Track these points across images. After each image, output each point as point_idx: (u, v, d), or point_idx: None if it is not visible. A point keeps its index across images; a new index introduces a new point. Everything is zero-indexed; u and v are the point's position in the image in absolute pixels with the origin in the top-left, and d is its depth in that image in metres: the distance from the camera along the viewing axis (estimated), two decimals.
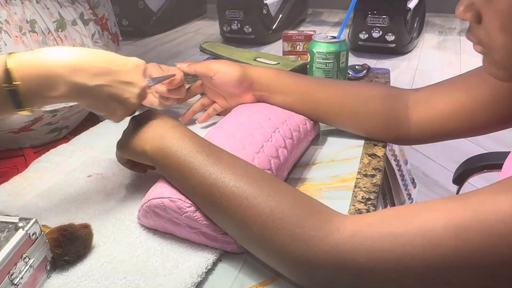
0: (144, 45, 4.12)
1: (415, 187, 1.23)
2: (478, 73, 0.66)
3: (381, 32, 3.43)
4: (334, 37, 0.84)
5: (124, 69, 0.55)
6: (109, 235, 0.56)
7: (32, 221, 0.48)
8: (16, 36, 0.79)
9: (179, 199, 0.52)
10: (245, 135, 0.63)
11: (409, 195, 1.18)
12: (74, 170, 0.70)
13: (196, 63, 0.74)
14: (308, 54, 0.86)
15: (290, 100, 0.72)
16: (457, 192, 0.98)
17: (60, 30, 0.86)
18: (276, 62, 0.91)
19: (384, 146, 0.75)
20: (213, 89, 0.76)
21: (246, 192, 0.48)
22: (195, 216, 0.52)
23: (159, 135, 0.55)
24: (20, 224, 0.47)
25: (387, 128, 0.72)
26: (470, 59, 3.44)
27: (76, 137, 0.81)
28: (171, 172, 0.53)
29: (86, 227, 0.53)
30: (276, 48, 3.84)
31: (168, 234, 0.56)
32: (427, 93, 0.70)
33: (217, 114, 0.83)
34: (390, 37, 3.44)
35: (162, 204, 0.53)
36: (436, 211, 0.41)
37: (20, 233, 0.46)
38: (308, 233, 0.44)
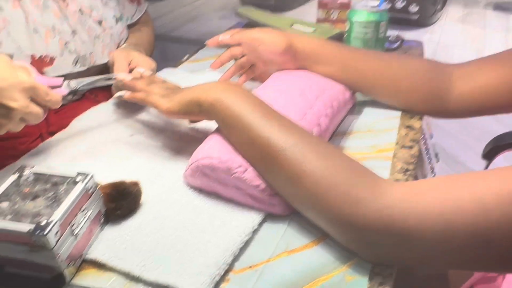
0: (161, 7, 4.07)
1: (438, 161, 1.23)
2: None
3: (404, 2, 3.35)
4: (375, 6, 0.83)
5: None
6: (156, 194, 0.58)
7: (89, 176, 0.49)
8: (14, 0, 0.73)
9: (229, 159, 0.53)
10: (289, 101, 0.64)
11: (432, 168, 1.19)
12: (115, 129, 0.72)
13: (238, 32, 0.74)
14: (347, 22, 0.85)
15: (332, 70, 0.72)
16: (486, 168, 0.99)
17: None
18: (313, 30, 0.90)
19: (421, 119, 0.76)
20: (254, 54, 0.76)
21: (303, 149, 0.49)
22: (243, 177, 0.53)
23: (221, 89, 0.57)
24: (78, 178, 0.49)
25: (427, 101, 0.72)
26: (494, 34, 3.36)
27: (114, 96, 0.82)
28: (230, 123, 0.54)
29: (136, 184, 0.55)
30: (299, 14, 3.77)
31: (214, 194, 0.58)
32: (471, 68, 0.70)
33: (252, 79, 0.84)
34: (413, 8, 3.36)
35: (210, 164, 0.54)
36: (490, 180, 0.42)
37: (79, 187, 0.48)
38: (360, 192, 0.46)
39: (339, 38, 0.90)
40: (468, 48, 3.21)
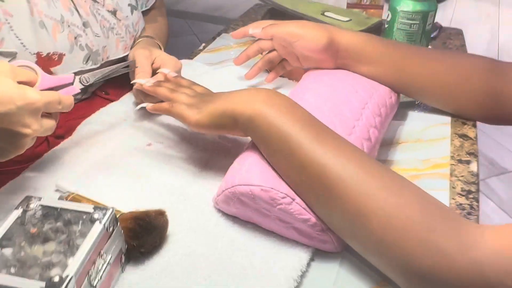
0: None
1: None
2: None
3: None
4: None
5: (4, 110, 0.44)
6: (184, 222, 0.49)
7: (108, 212, 0.41)
8: None
9: (272, 188, 0.45)
10: (334, 111, 0.55)
11: None
12: (130, 137, 0.63)
13: (272, 25, 0.64)
14: (389, 12, 0.75)
15: (378, 71, 0.63)
16: None
17: None
18: (348, 19, 0.80)
19: (475, 126, 0.67)
20: (287, 50, 0.66)
21: (367, 181, 0.41)
22: (290, 209, 0.45)
23: (260, 100, 0.47)
24: (96, 215, 0.40)
25: (485, 107, 0.63)
26: (509, 11, 3.23)
27: (127, 94, 0.73)
28: (274, 143, 0.46)
29: (161, 215, 0.46)
30: None
31: (251, 224, 0.49)
32: None
33: (280, 76, 0.75)
34: None
35: (250, 193, 0.46)
36: None
37: (97, 227, 0.40)
38: (443, 241, 0.38)
39: (377, 28, 0.81)
40: (482, 25, 3.10)
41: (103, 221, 0.40)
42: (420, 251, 0.38)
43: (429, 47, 0.86)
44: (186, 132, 0.64)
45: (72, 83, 0.56)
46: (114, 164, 0.58)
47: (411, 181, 0.43)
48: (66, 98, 0.52)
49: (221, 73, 0.78)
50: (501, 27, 3.06)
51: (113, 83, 0.75)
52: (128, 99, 0.72)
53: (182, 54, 0.97)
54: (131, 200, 0.52)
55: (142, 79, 0.60)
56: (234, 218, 0.50)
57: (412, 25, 0.72)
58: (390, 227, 0.39)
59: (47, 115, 0.50)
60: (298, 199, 0.45)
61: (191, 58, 0.87)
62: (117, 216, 0.45)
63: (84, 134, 0.64)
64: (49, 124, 0.50)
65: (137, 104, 0.70)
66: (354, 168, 0.42)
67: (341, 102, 0.57)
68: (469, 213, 0.52)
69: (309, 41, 0.62)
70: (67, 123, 0.69)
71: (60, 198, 0.50)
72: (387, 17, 0.75)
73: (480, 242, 0.37)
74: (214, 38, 0.95)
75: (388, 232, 0.39)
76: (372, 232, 0.40)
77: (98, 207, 0.41)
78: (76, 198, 0.50)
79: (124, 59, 0.74)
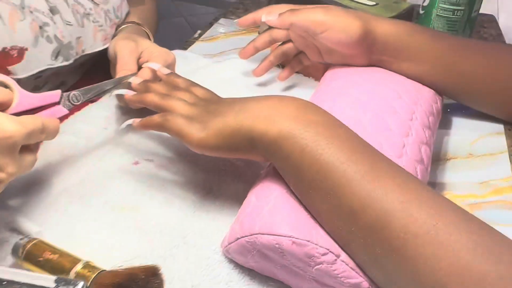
0: None
1: None
2: None
3: None
4: None
5: None
6: (184, 277, 0.37)
7: (79, 286, 0.28)
8: None
9: (309, 241, 0.33)
10: (377, 126, 0.42)
11: None
12: (112, 153, 0.50)
13: (292, 11, 0.51)
14: None
15: (423, 69, 0.51)
16: None
17: None
18: (374, 3, 0.67)
19: None
20: (308, 42, 0.53)
21: (454, 240, 0.29)
22: (333, 270, 0.33)
23: (289, 115, 0.35)
24: None
25: None
26: None
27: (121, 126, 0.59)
28: (308, 178, 0.33)
29: (154, 275, 0.34)
30: None
31: (274, 280, 0.37)
32: None
33: (297, 72, 0.62)
34: None
35: (277, 246, 0.33)
36: None
37: None
38: None
39: (409, 14, 0.68)
40: (481, 9, 2.99)
41: None
42: None
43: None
44: (183, 146, 0.50)
45: (58, 102, 0.43)
46: (90, 192, 0.45)
47: (471, 211, 0.31)
48: (51, 122, 0.39)
49: (223, 68, 0.65)
50: (500, 12, 2.96)
51: (96, 76, 0.60)
52: (110, 100, 0.58)
53: (169, 40, 0.83)
54: (113, 246, 0.39)
55: (122, 89, 0.46)
56: (251, 272, 0.38)
57: (456, 12, 0.60)
58: None
59: (26, 147, 0.37)
60: (344, 256, 0.33)
61: (185, 49, 0.73)
62: (93, 278, 0.32)
63: (54, 148, 0.51)
64: (29, 161, 0.38)
65: (121, 108, 0.57)
66: (430, 219, 0.30)
67: (384, 112, 0.44)
68: None
69: (340, 32, 0.49)
70: None
71: (16, 246, 0.37)
72: (424, 2, 0.63)
73: None
74: (211, 24, 0.81)
75: None
76: None
77: (62, 279, 0.28)
78: (39, 247, 0.37)
79: (104, 52, 0.60)
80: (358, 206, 0.31)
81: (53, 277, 0.28)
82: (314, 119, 0.35)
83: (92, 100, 0.51)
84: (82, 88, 0.46)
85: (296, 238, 0.33)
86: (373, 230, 0.31)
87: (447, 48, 0.51)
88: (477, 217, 0.31)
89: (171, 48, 0.58)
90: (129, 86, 0.47)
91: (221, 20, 0.82)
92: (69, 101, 0.44)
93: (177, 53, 0.70)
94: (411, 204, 0.30)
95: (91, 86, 0.47)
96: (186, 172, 0.48)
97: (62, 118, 0.54)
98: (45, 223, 0.41)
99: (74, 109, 0.53)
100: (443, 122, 0.57)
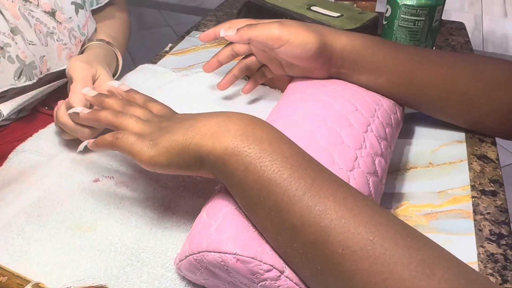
0: None
1: None
2: None
3: None
4: None
5: None
6: None
7: None
8: None
9: (252, 257, 0.33)
10: (331, 138, 0.43)
11: None
12: (72, 170, 0.50)
13: (249, 26, 0.51)
14: (388, 6, 0.63)
15: (381, 81, 0.51)
16: None
17: None
18: (339, 14, 0.68)
19: (494, 143, 0.56)
20: (269, 56, 0.54)
21: (389, 255, 0.29)
22: (277, 286, 0.33)
23: (236, 131, 0.35)
24: None
25: (509, 121, 0.52)
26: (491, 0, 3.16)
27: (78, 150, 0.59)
28: (254, 195, 0.34)
29: None
30: None
31: None
32: None
33: (262, 84, 0.62)
34: None
35: (222, 263, 0.33)
36: None
37: None
38: None
39: (374, 25, 0.69)
40: (465, 14, 3.03)
41: None
42: None
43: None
44: None
45: None
46: (48, 210, 0.45)
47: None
48: None
49: (190, 82, 0.65)
50: (485, 16, 2.99)
51: (58, 94, 0.60)
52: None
53: (156, 48, 0.83)
54: (66, 266, 0.39)
55: (77, 107, 0.46)
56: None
57: (417, 22, 0.61)
58: None
59: None
60: (288, 272, 0.33)
61: (155, 62, 0.73)
62: None
63: (15, 166, 0.51)
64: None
65: None
66: (367, 234, 0.30)
67: (338, 126, 0.45)
68: (504, 267, 0.41)
69: (296, 46, 0.49)
70: None
71: None
72: (386, 12, 0.64)
73: None
74: (183, 37, 0.82)
75: None
76: None
77: None
78: None
79: None
80: (299, 222, 0.32)
81: None
82: (260, 136, 0.35)
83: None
84: (11, 101, 0.44)
85: (240, 255, 0.33)
86: (313, 246, 0.31)
87: (405, 59, 0.52)
88: (418, 231, 0.32)
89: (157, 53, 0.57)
90: (74, 115, 0.46)
91: (193, 33, 0.83)
92: None
93: (146, 67, 0.71)
94: (349, 220, 0.31)
95: (17, 98, 0.45)
96: (146, 188, 0.48)
97: (28, 134, 0.55)
98: (0, 243, 0.41)
99: (39, 123, 0.53)
100: (405, 132, 0.58)
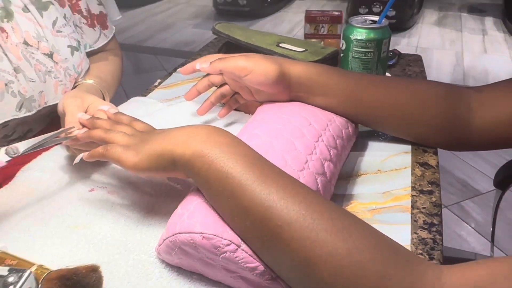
0: (132, 16, 3.92)
1: None
2: None
3: (381, 7, 3.29)
4: (374, 22, 0.72)
5: None
6: (122, 276, 0.45)
7: (25, 274, 0.36)
8: None
9: (215, 235, 0.41)
10: (286, 146, 0.52)
11: None
12: (72, 183, 0.59)
13: (220, 59, 0.61)
14: (342, 41, 0.74)
15: (333, 102, 0.61)
16: (500, 199, 0.89)
17: (5, 20, 0.65)
18: (303, 49, 0.79)
19: (436, 153, 0.65)
20: (239, 84, 0.64)
21: (315, 224, 0.38)
22: (235, 257, 0.41)
23: (201, 138, 0.44)
24: (11, 279, 0.36)
25: (445, 133, 0.62)
26: (471, 36, 3.34)
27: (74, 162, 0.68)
28: (215, 186, 0.42)
29: (94, 271, 0.42)
30: (272, 21, 3.68)
31: (197, 275, 0.45)
32: (493, 94, 0.60)
33: (236, 109, 0.72)
34: (390, 13, 3.31)
35: (192, 241, 0.42)
36: None
37: None
38: (395, 287, 0.34)
39: (334, 57, 0.79)
40: (447, 51, 3.18)
41: (18, 285, 0.35)
42: None
43: (388, 74, 0.85)
44: (132, 176, 0.59)
45: None
46: (50, 214, 0.53)
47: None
48: None
49: (175, 110, 0.75)
50: (465, 52, 3.15)
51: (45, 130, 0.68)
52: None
53: None
54: (65, 255, 0.47)
55: (81, 154, 0.53)
56: (178, 269, 0.46)
57: (367, 53, 0.71)
58: (341, 275, 0.36)
59: None
60: (244, 246, 0.41)
61: (145, 95, 0.83)
62: (43, 276, 0.40)
63: (22, 182, 0.59)
64: None
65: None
66: (300, 210, 0.39)
67: (293, 137, 0.54)
68: (432, 248, 0.49)
69: (259, 75, 0.59)
70: (4, 170, 0.63)
71: None
72: (342, 46, 0.74)
73: (437, 285, 0.34)
74: (170, 74, 0.92)
75: (339, 280, 0.36)
76: (322, 280, 0.36)
77: (14, 269, 0.36)
78: (1, 256, 0.44)
79: None
80: (250, 205, 0.40)
81: (7, 268, 0.36)
82: (220, 141, 0.44)
83: (45, 149, 0.58)
84: (23, 141, 0.52)
85: (206, 234, 0.41)
86: (260, 223, 0.39)
87: (352, 83, 0.62)
88: (341, 207, 0.40)
89: None
90: (73, 140, 0.55)
91: (179, 70, 0.93)
92: (7, 154, 0.51)
93: (137, 99, 0.81)
94: (287, 200, 0.39)
95: (31, 139, 0.53)
96: (133, 196, 0.56)
97: (30, 157, 0.63)
98: (9, 240, 0.49)
99: (36, 153, 0.62)
100: (360, 145, 0.67)
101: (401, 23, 3.41)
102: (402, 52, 0.96)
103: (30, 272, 0.36)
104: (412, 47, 3.21)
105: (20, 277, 0.36)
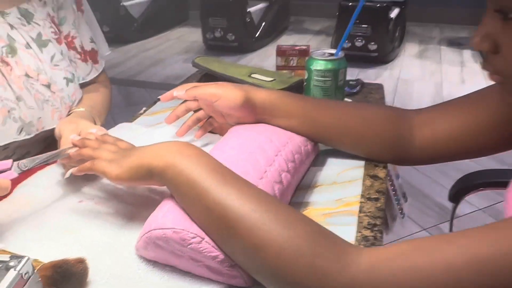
0: (125, 52, 4.06)
1: (406, 201, 1.22)
2: (482, 95, 0.65)
3: (363, 41, 3.45)
4: (332, 54, 0.82)
5: None
6: (106, 269, 0.52)
7: (24, 260, 0.44)
8: None
9: (183, 229, 0.49)
10: (249, 160, 0.61)
11: (401, 209, 1.17)
12: (62, 196, 0.67)
13: (194, 87, 0.71)
14: (306, 71, 0.84)
15: (292, 123, 0.70)
16: (454, 210, 0.98)
17: (10, 55, 0.75)
18: (272, 79, 0.89)
19: (385, 167, 0.74)
20: (211, 108, 0.73)
21: (262, 217, 0.46)
22: (200, 248, 0.49)
23: (172, 152, 0.53)
24: (12, 263, 0.43)
25: (391, 150, 0.71)
26: (451, 68, 3.49)
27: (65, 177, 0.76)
28: (184, 190, 0.50)
29: (81, 262, 0.49)
30: (260, 56, 3.83)
31: (169, 267, 0.53)
32: (431, 115, 0.69)
33: (210, 132, 0.81)
34: (372, 46, 3.46)
35: (164, 236, 0.50)
36: (457, 244, 0.40)
37: (11, 274, 0.42)
38: (326, 264, 0.42)
39: (299, 86, 0.89)
40: (427, 82, 3.32)
41: (18, 268, 0.43)
42: (308, 275, 0.42)
43: (349, 100, 0.95)
44: (116, 188, 0.68)
45: (10, 168, 0.59)
46: (44, 221, 0.61)
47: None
48: (2, 181, 0.55)
49: (157, 133, 0.84)
50: (444, 83, 3.29)
51: (56, 147, 0.78)
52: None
53: None
54: (56, 254, 0.54)
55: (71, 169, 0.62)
56: (154, 263, 0.54)
57: (326, 82, 0.81)
58: (283, 256, 0.44)
59: None
60: (207, 238, 0.49)
61: (131, 121, 0.92)
62: (38, 267, 0.48)
63: (19, 196, 0.67)
64: None
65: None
66: (251, 206, 0.47)
67: (255, 152, 0.63)
68: (372, 244, 0.57)
69: (228, 100, 0.69)
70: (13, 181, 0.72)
71: None
72: (305, 76, 0.84)
73: (357, 260, 0.42)
74: (155, 103, 1.01)
75: (281, 261, 0.44)
76: (267, 262, 0.45)
77: (14, 255, 0.44)
78: (0, 254, 0.52)
79: None
80: (212, 204, 0.48)
81: (8, 255, 0.44)
82: (189, 153, 0.53)
83: (42, 166, 0.67)
84: (30, 158, 0.61)
85: (175, 229, 0.49)
86: (220, 219, 0.48)
87: (311, 107, 0.71)
88: (287, 205, 0.49)
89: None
90: (67, 158, 0.64)
91: (159, 97, 1.03)
92: (19, 167, 0.59)
93: (124, 125, 0.90)
94: (242, 200, 0.48)
95: (37, 156, 0.62)
96: (117, 206, 0.64)
97: (26, 175, 0.72)
98: (8, 243, 0.56)
99: (30, 171, 0.70)
100: (320, 162, 0.76)
101: (383, 56, 3.56)
102: (381, 82, 1.07)
103: (28, 258, 0.44)
104: (394, 79, 3.35)
105: (19, 262, 0.43)
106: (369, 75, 3.27)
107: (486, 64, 0.47)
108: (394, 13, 3.57)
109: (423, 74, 3.46)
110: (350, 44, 3.47)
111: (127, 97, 3.13)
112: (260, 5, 4.01)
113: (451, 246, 0.40)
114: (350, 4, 3.28)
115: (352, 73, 3.05)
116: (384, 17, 3.44)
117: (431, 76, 3.43)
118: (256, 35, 3.93)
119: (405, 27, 4.07)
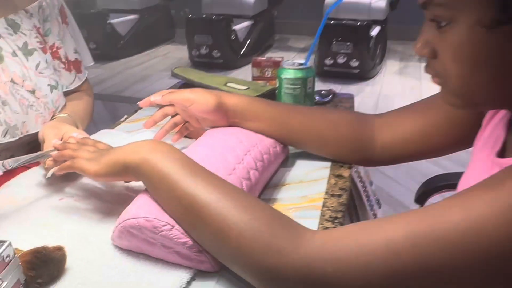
0: (111, 68, 4.10)
1: (380, 207, 1.27)
2: (435, 99, 0.71)
3: (345, 58, 3.54)
4: (302, 64, 0.88)
5: None
6: (83, 257, 0.56)
7: (5, 244, 0.48)
8: None
9: (155, 218, 0.53)
10: (219, 158, 0.65)
11: (375, 215, 1.22)
12: (44, 194, 0.70)
13: (170, 93, 0.76)
14: (277, 80, 0.89)
15: (262, 126, 0.75)
16: None
17: None
18: (246, 87, 0.94)
19: (350, 168, 0.79)
20: (187, 113, 0.78)
21: (226, 204, 0.50)
22: (170, 235, 0.53)
23: (146, 149, 0.57)
24: None
25: (354, 151, 0.76)
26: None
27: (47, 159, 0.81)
28: (157, 182, 0.55)
29: (59, 249, 0.53)
30: (245, 72, 3.90)
31: (142, 255, 0.57)
32: (390, 118, 0.75)
33: (186, 136, 0.85)
34: (354, 63, 3.56)
35: (137, 224, 0.54)
36: (397, 223, 0.44)
37: None
38: (282, 243, 0.47)
39: (272, 94, 0.95)
40: (407, 97, 3.40)
41: (0, 250, 0.47)
42: (265, 253, 0.47)
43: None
44: (95, 187, 0.72)
45: None
46: (25, 217, 0.64)
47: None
48: None
49: (137, 138, 0.88)
50: (423, 98, 3.39)
51: (39, 150, 0.82)
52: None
53: None
54: (35, 244, 0.58)
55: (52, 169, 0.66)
56: (128, 252, 0.57)
57: (295, 89, 0.86)
58: (243, 238, 0.48)
59: None
60: (177, 226, 0.53)
61: (113, 128, 0.96)
62: (19, 255, 0.51)
63: (1, 195, 0.71)
64: None
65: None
66: (217, 195, 0.51)
67: (226, 151, 0.68)
68: None
69: (201, 104, 0.73)
70: None
71: None
72: (277, 84, 0.90)
73: (310, 240, 0.46)
74: (136, 111, 1.06)
75: (242, 241, 0.48)
76: (230, 245, 0.49)
77: None
78: None
79: None
80: (181, 194, 0.53)
81: None
82: (161, 149, 0.57)
83: (26, 167, 0.71)
84: (14, 158, 0.66)
85: (148, 218, 0.54)
86: (189, 207, 0.52)
87: (278, 111, 0.76)
88: (250, 194, 0.53)
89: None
90: (49, 160, 0.68)
91: (143, 108, 1.07)
92: (3, 166, 0.64)
93: (105, 131, 0.94)
94: (208, 189, 0.52)
95: (20, 156, 0.67)
96: (95, 203, 0.68)
97: (9, 177, 0.75)
98: None
99: (15, 171, 0.74)
100: (290, 163, 0.80)
101: (365, 73, 3.65)
102: (363, 98, 1.12)
103: (9, 242, 0.48)
104: (375, 95, 3.44)
105: (1, 246, 0.47)
106: (351, 91, 3.36)
107: (428, 68, 0.53)
108: (375, 31, 3.69)
109: (403, 90, 3.56)
110: (332, 61, 3.56)
111: (112, 111, 3.16)
112: (245, 23, 4.10)
113: (392, 225, 0.44)
114: (332, 22, 3.38)
115: (335, 89, 3.14)
116: (365, 35, 3.55)
117: (411, 91, 3.53)
118: (241, 53, 4.01)
119: (386, 45, 4.19)
